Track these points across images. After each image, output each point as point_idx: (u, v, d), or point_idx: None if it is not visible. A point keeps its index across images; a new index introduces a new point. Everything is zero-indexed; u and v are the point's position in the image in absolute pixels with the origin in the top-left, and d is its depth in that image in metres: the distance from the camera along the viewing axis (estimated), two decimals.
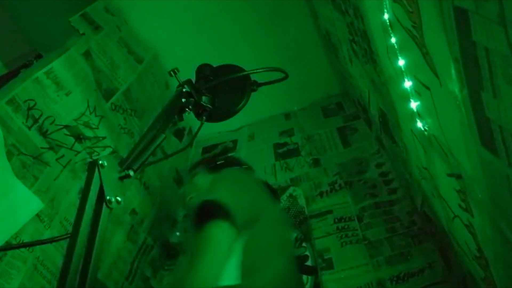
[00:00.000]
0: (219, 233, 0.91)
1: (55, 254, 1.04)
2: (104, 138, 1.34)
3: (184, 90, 0.90)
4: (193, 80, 0.97)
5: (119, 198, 0.66)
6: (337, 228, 1.46)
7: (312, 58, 2.15)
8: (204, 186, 1.10)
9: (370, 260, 1.31)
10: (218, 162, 1.19)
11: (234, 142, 2.19)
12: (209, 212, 0.93)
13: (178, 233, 1.69)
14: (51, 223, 1.05)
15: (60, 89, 1.23)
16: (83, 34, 1.52)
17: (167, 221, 1.71)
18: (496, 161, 0.49)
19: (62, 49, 1.32)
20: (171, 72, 0.92)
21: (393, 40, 0.79)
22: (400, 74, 0.81)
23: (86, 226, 0.60)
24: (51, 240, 0.73)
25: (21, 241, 0.94)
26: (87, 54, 1.47)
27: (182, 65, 0.98)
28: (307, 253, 1.39)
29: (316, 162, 1.81)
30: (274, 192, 1.26)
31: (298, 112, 2.25)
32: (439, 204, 0.95)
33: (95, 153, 1.30)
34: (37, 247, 0.99)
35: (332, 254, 1.38)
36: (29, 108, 1.13)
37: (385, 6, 0.76)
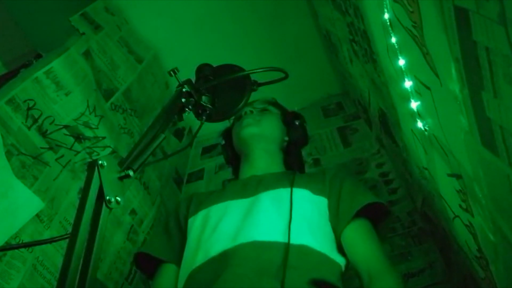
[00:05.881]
0: None
1: (55, 254, 1.04)
2: (104, 138, 1.33)
3: (184, 90, 0.90)
4: (193, 80, 0.96)
5: (119, 198, 0.66)
6: None
7: (312, 58, 2.14)
8: None
9: None
10: None
11: None
12: None
13: None
14: (50, 223, 1.05)
15: (60, 89, 1.22)
16: (83, 33, 1.52)
17: None
18: (496, 161, 0.49)
19: (62, 49, 1.32)
20: (171, 72, 0.92)
21: (393, 39, 0.79)
22: (400, 74, 0.80)
23: (86, 226, 0.60)
24: (51, 240, 0.73)
25: (20, 241, 0.94)
26: (87, 54, 1.47)
27: (182, 65, 0.98)
28: None
29: (316, 162, 1.81)
30: None
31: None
32: (439, 204, 0.95)
33: (95, 153, 1.30)
34: (37, 247, 0.99)
35: None
36: (29, 108, 1.13)
37: (385, 5, 0.76)
